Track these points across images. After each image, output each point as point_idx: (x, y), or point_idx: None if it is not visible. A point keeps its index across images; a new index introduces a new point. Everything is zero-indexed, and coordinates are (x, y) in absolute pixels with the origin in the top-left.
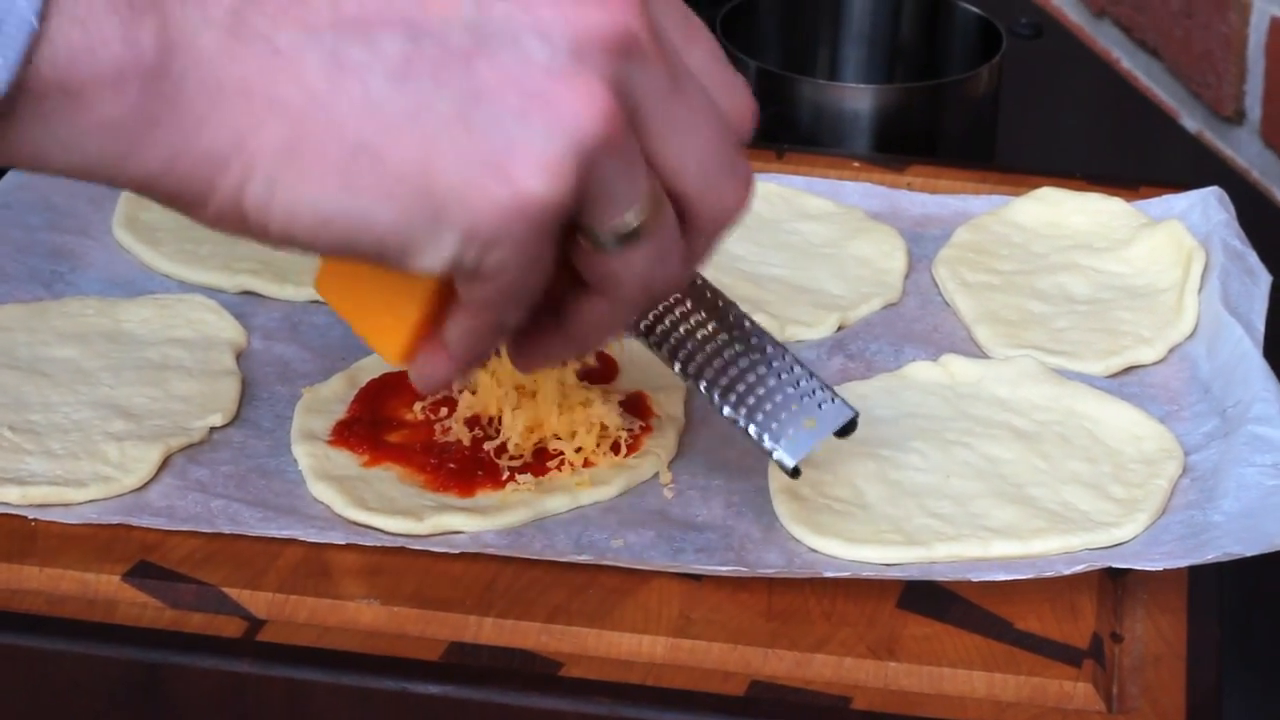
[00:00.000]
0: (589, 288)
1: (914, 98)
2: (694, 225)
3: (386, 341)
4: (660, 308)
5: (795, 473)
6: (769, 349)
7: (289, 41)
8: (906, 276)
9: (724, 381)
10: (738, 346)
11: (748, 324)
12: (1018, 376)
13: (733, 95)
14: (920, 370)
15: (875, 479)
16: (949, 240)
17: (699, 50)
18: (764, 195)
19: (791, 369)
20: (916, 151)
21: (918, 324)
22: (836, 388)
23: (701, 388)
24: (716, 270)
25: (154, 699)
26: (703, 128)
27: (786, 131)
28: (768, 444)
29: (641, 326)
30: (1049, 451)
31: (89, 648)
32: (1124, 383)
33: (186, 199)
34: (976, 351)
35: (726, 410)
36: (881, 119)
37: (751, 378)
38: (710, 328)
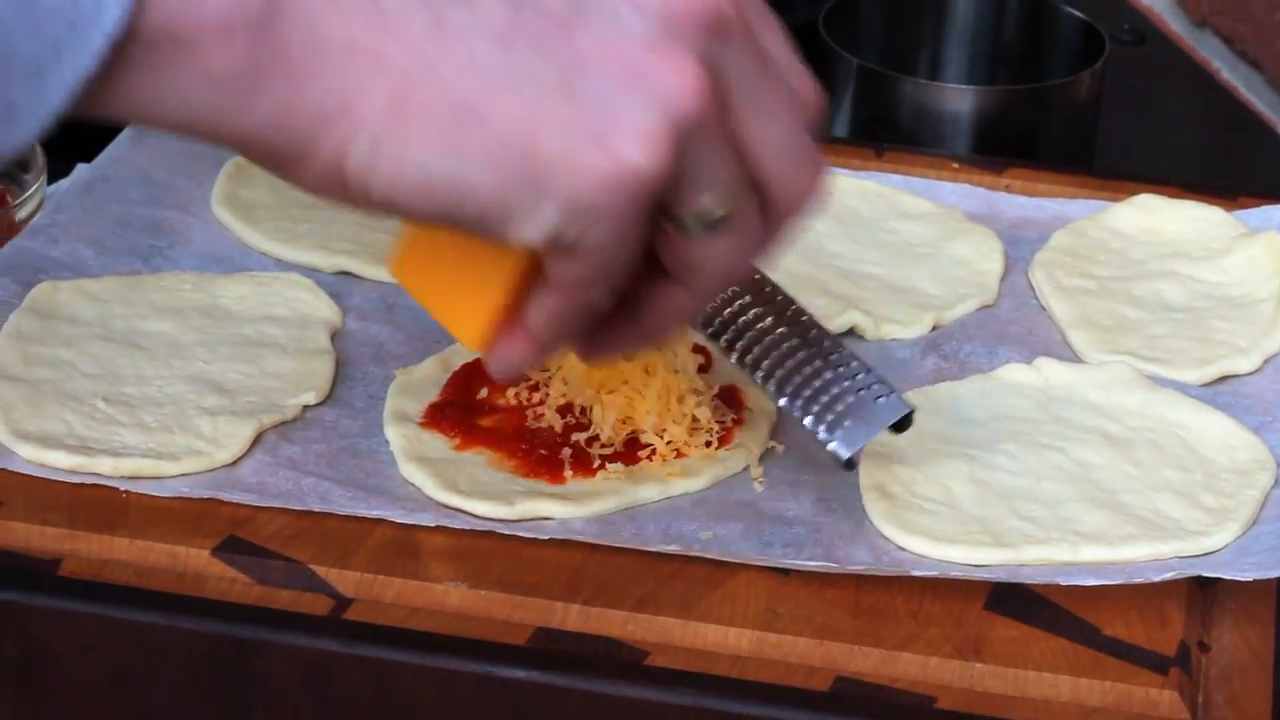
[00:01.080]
0: (666, 276)
1: (1015, 100)
2: (771, 211)
3: (467, 326)
4: (719, 300)
5: (850, 465)
6: (826, 342)
7: (393, 1)
8: (1002, 278)
9: (781, 373)
10: (796, 340)
11: (805, 317)
12: (1111, 382)
13: (802, 81)
14: (1014, 372)
15: (966, 480)
16: (1046, 244)
17: (772, 36)
18: (862, 193)
19: (849, 363)
20: (1016, 154)
21: (1012, 326)
22: (931, 387)
23: (759, 379)
24: (813, 266)
25: (240, 674)
26: (784, 113)
27: (886, 130)
28: (823, 435)
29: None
30: (1141, 458)
31: (177, 621)
32: (1218, 392)
33: (288, 157)
34: (1071, 356)
35: (783, 401)
36: (982, 120)
37: (809, 370)
38: (769, 320)
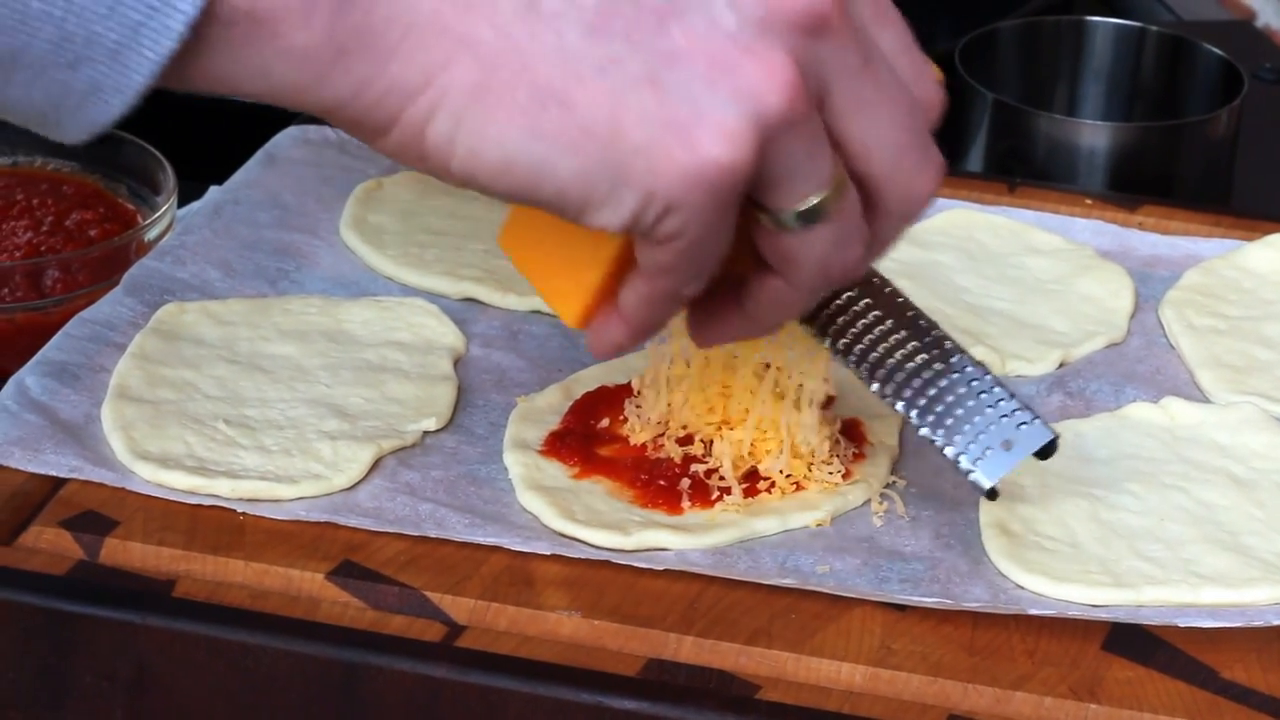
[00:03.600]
0: (769, 267)
1: (1151, 137)
2: (880, 209)
3: (565, 303)
4: (859, 326)
5: (992, 494)
6: (969, 368)
7: None
8: (1132, 316)
9: (922, 400)
10: (937, 365)
11: (948, 343)
12: (1239, 423)
13: (922, 79)
14: (1140, 411)
15: (1087, 518)
16: (1178, 282)
17: (889, 32)
18: (992, 228)
19: (991, 389)
20: (1150, 191)
21: (1141, 365)
22: (1056, 425)
23: (899, 406)
24: (940, 300)
25: (351, 698)
26: (892, 109)
27: (1021, 165)
28: (964, 464)
29: (840, 345)
30: (1266, 500)
31: (290, 644)
32: None
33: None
34: (1199, 395)
35: (924, 430)
36: (1117, 157)
37: (950, 396)
38: (910, 346)
